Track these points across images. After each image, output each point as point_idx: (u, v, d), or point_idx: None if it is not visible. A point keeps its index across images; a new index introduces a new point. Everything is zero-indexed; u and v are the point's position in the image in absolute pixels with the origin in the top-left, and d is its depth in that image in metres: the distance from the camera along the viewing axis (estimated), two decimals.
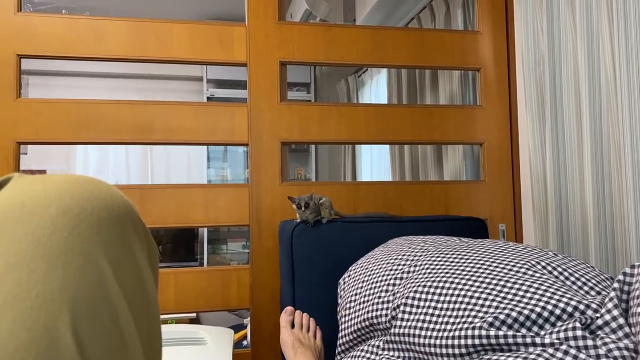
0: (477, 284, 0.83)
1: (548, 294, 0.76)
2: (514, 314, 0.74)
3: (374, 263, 1.07)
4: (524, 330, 0.72)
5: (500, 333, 0.72)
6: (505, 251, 0.91)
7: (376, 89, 3.33)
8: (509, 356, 0.70)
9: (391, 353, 0.87)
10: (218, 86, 4.12)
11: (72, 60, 1.62)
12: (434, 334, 0.80)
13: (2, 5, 1.54)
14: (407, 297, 0.88)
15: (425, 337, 0.81)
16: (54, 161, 4.01)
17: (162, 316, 1.69)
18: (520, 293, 0.78)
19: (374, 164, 3.38)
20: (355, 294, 1.03)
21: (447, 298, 0.83)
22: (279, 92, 1.73)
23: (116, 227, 0.39)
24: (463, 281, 0.85)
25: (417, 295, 0.87)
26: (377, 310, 0.94)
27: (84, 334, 0.34)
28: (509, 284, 0.80)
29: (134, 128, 1.61)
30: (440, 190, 1.82)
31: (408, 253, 1.02)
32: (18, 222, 0.36)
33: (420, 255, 0.99)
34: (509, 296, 0.78)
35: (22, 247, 0.35)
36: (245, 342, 2.54)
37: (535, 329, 0.73)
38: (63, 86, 3.99)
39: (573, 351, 0.65)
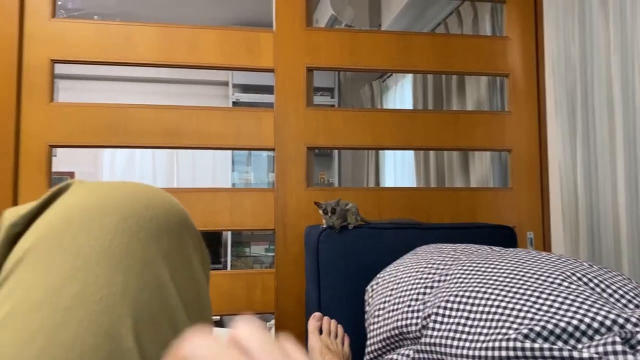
0: (510, 294, 0.82)
1: (585, 306, 0.74)
2: (550, 326, 0.73)
3: (403, 271, 1.06)
4: (560, 343, 0.71)
5: (536, 345, 0.71)
6: (539, 261, 0.90)
7: (401, 94, 3.31)
8: None
9: None
10: (243, 91, 4.15)
11: (103, 65, 1.65)
12: (467, 344, 0.79)
13: (38, 11, 1.58)
14: (439, 307, 0.87)
15: (457, 347, 0.80)
16: (82, 163, 4.08)
17: None
18: (556, 305, 0.76)
19: (398, 169, 3.36)
20: (384, 302, 1.02)
21: (480, 308, 0.82)
22: (306, 97, 1.73)
23: (173, 234, 0.40)
24: (496, 291, 0.83)
25: (449, 305, 0.86)
26: (407, 319, 0.93)
27: (144, 339, 0.35)
28: (543, 295, 0.79)
29: (163, 132, 1.63)
30: (467, 197, 1.81)
31: (438, 261, 1.01)
32: (80, 227, 0.36)
33: (451, 264, 0.97)
34: (544, 307, 0.77)
35: (86, 252, 0.35)
36: None
37: (572, 342, 0.71)
38: (92, 90, 4.06)
39: None
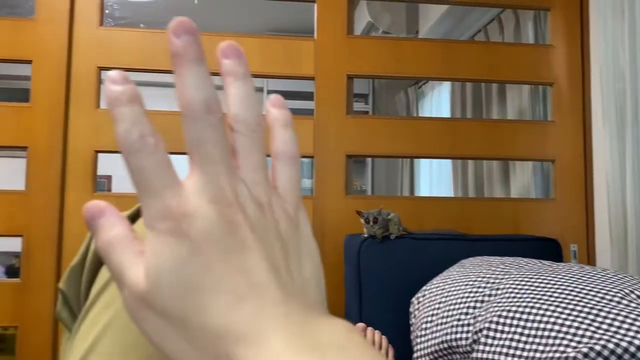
0: (567, 311, 0.80)
1: None
2: (610, 345, 0.71)
3: (450, 284, 1.04)
4: None
5: None
6: (595, 277, 0.87)
7: (438, 100, 3.28)
8: None
9: None
10: None
11: (149, 72, 1.67)
12: None
13: (87, 20, 1.62)
14: (491, 322, 0.85)
15: None
16: (119, 168, 4.15)
17: None
18: (616, 324, 0.74)
19: (434, 177, 3.33)
20: (432, 315, 1.01)
21: (535, 325, 0.80)
22: (346, 105, 1.73)
23: None
24: (552, 307, 0.81)
25: (502, 320, 0.84)
26: (456, 333, 0.91)
27: None
28: (602, 313, 0.77)
29: None
30: (509, 207, 1.77)
31: (488, 275, 0.99)
32: None
33: (502, 278, 0.96)
34: (604, 326, 0.74)
35: None
36: None
37: None
38: None
39: None
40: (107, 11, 1.67)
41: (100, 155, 1.62)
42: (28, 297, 1.52)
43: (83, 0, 1.62)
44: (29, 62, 1.59)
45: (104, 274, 0.40)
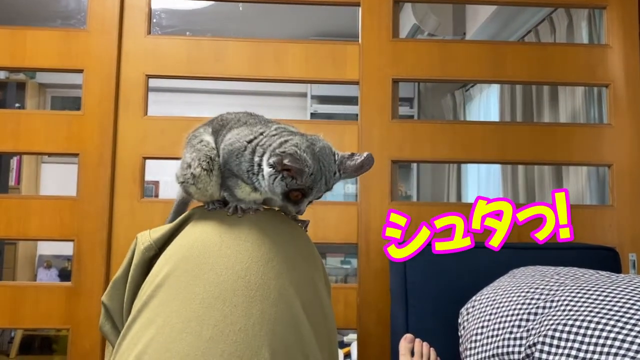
0: (628, 326, 0.75)
1: None
2: None
3: (501, 295, 1.00)
4: None
5: None
6: None
7: (486, 104, 3.20)
8: None
9: None
10: (321, 102, 4.17)
11: (194, 79, 1.70)
12: None
13: (135, 29, 1.65)
14: (545, 336, 0.81)
15: None
16: (165, 173, 4.23)
17: None
18: None
19: (482, 182, 3.24)
20: (482, 327, 0.97)
21: (594, 340, 0.76)
22: (391, 109, 1.70)
23: (303, 263, 0.39)
24: (612, 322, 0.76)
25: (557, 335, 0.80)
26: (508, 346, 0.87)
27: None
28: None
29: None
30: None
31: (542, 286, 0.95)
32: (218, 255, 0.36)
33: (557, 290, 0.91)
34: None
35: (224, 280, 0.35)
36: None
37: None
38: (172, 102, 4.20)
39: None
40: (154, 20, 1.71)
41: (148, 161, 1.65)
42: (79, 300, 1.56)
43: (132, 10, 1.66)
44: (80, 71, 1.63)
45: (146, 289, 0.39)
